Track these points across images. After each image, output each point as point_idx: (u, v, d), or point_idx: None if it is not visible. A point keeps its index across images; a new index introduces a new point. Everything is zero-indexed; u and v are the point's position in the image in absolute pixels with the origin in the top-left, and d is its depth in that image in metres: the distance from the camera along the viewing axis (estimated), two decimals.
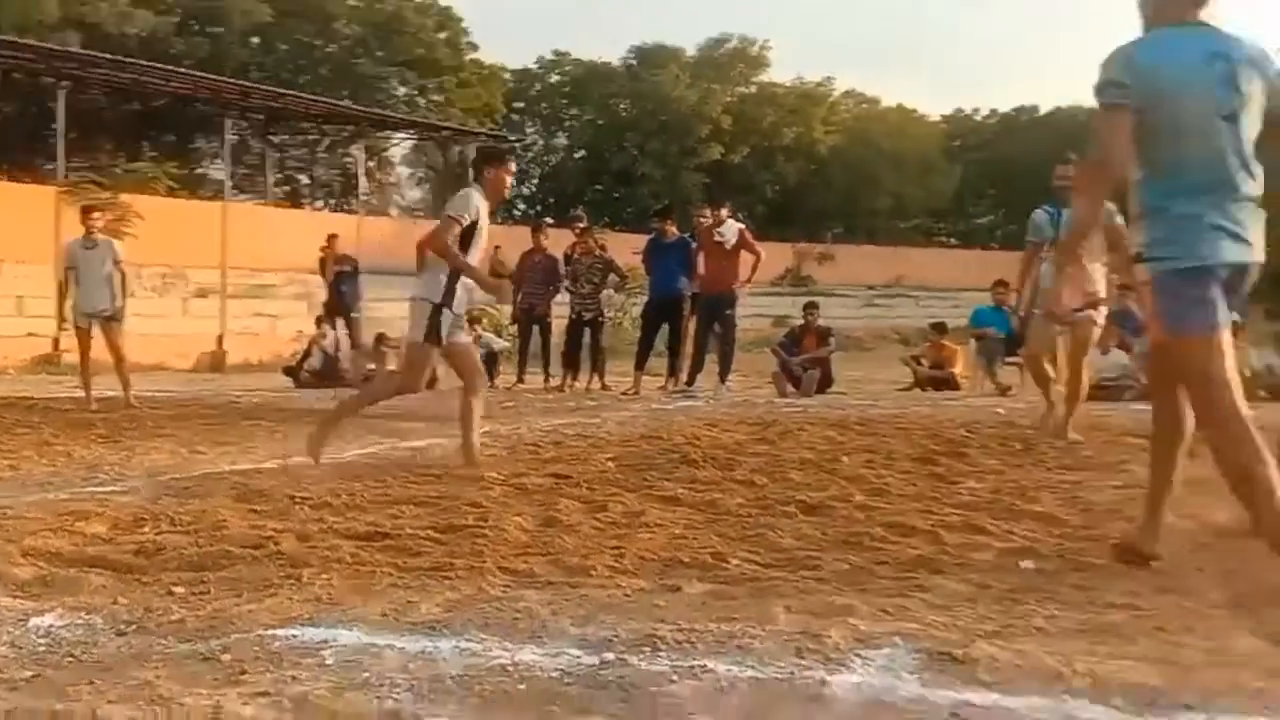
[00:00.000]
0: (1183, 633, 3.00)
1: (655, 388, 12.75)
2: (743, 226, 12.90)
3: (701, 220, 13.05)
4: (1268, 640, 2.92)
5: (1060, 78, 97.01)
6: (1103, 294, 7.79)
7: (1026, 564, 3.88)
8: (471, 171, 6.87)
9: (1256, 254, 3.71)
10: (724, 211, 12.90)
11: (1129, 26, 3.89)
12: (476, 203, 6.44)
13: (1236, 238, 3.62)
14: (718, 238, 12.49)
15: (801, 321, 13.96)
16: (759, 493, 5.39)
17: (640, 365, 12.99)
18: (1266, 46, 3.73)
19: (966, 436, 7.77)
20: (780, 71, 52.27)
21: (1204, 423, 3.75)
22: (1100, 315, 7.82)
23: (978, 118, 58.81)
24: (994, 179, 53.83)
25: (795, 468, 6.26)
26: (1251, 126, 3.64)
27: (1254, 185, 3.66)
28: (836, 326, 15.60)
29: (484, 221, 6.48)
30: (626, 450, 7.10)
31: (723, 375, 12.61)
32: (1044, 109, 55.92)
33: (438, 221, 6.57)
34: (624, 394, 12.37)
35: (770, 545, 4.17)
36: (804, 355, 13.18)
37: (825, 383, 13.06)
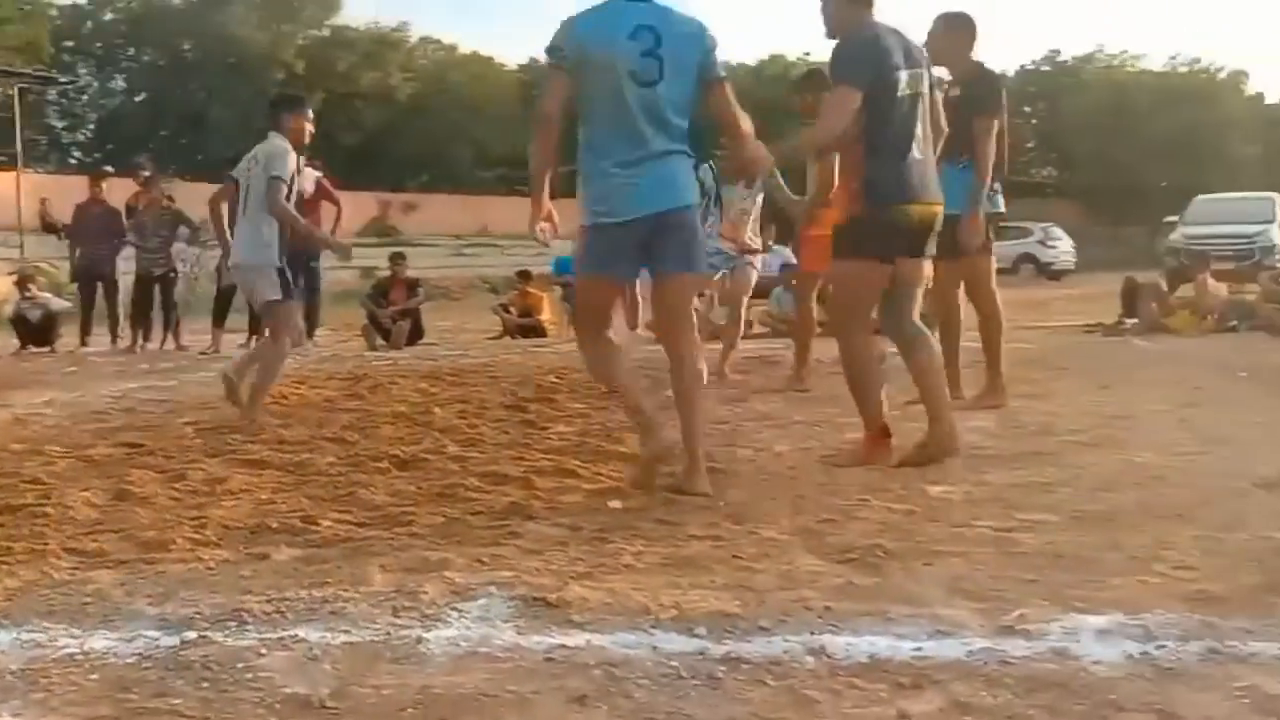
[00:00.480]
0: (757, 559, 3.19)
1: (237, 345, 12.18)
2: (321, 175, 12.50)
3: None
4: (830, 560, 3.17)
5: None
6: (757, 245, 8.30)
7: (614, 504, 4.01)
8: (272, 122, 6.54)
9: (679, 199, 4.18)
10: (301, 159, 12.44)
11: None
12: (292, 156, 6.30)
13: (652, 190, 4.10)
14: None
15: (389, 272, 13.75)
16: (350, 450, 5.27)
17: (219, 321, 12.40)
18: (703, 23, 4.22)
19: (555, 382, 7.93)
20: (354, 14, 50.90)
21: (580, 345, 4.50)
22: (756, 262, 8.34)
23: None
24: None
25: (388, 422, 6.17)
26: (676, 92, 4.11)
27: (672, 143, 4.15)
28: (425, 277, 15.52)
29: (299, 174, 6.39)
30: (207, 413, 6.74)
31: (310, 330, 12.22)
32: None
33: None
34: (203, 353, 11.76)
35: (363, 504, 4.09)
36: (393, 307, 13.01)
37: (415, 334, 12.96)
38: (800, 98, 6.69)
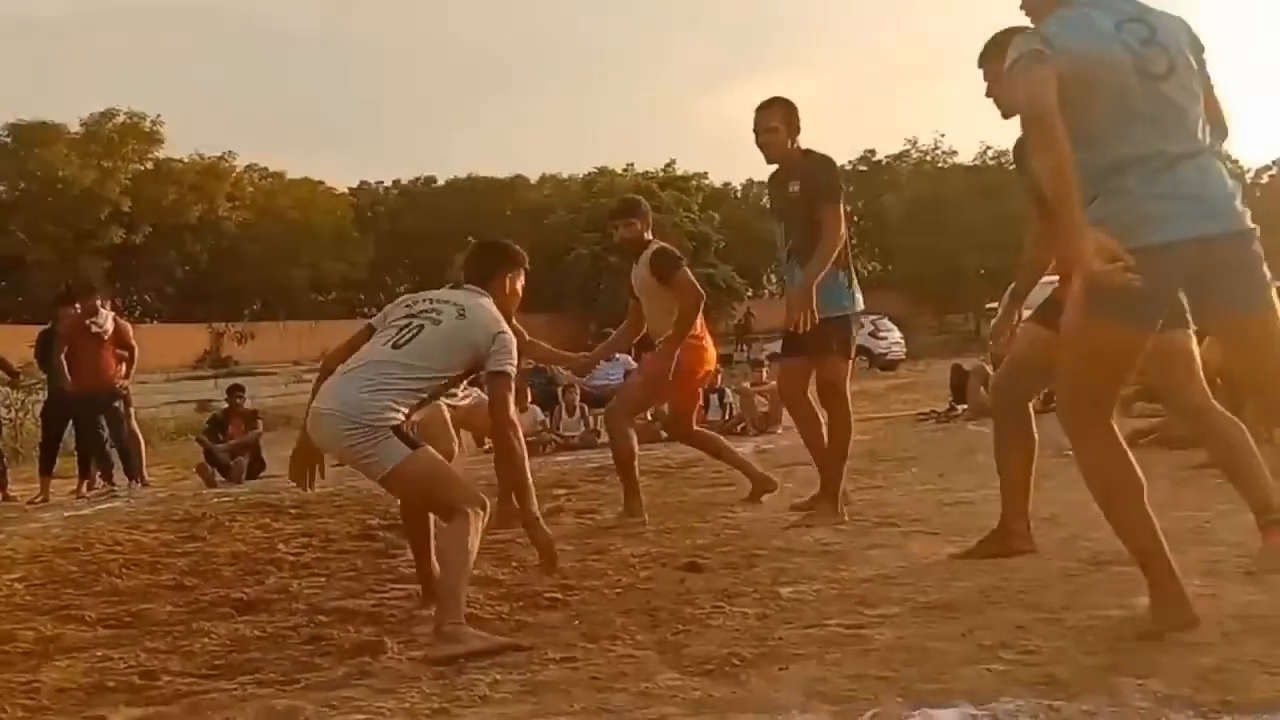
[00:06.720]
0: (615, 679, 3.17)
1: (67, 492, 11.69)
2: (115, 315, 12.07)
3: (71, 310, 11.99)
4: (687, 674, 3.17)
5: (461, 149, 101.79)
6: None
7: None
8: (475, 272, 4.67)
9: (1226, 220, 3.20)
10: (98, 300, 11.99)
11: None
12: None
13: (1190, 209, 3.17)
14: (95, 329, 11.61)
15: (226, 405, 13.42)
16: (190, 596, 5.08)
17: (47, 469, 11.86)
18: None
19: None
20: (176, 147, 49.95)
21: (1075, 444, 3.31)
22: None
23: (381, 190, 60.38)
24: (405, 249, 55.34)
25: (228, 563, 5.98)
26: (1190, 83, 3.30)
27: (1200, 143, 3.27)
28: (265, 405, 15.21)
29: None
30: (38, 567, 6.43)
31: (131, 473, 11.72)
32: (441, 180, 58.94)
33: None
34: (31, 503, 11.23)
35: (205, 653, 3.94)
36: (231, 442, 12.67)
37: (256, 467, 12.63)
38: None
